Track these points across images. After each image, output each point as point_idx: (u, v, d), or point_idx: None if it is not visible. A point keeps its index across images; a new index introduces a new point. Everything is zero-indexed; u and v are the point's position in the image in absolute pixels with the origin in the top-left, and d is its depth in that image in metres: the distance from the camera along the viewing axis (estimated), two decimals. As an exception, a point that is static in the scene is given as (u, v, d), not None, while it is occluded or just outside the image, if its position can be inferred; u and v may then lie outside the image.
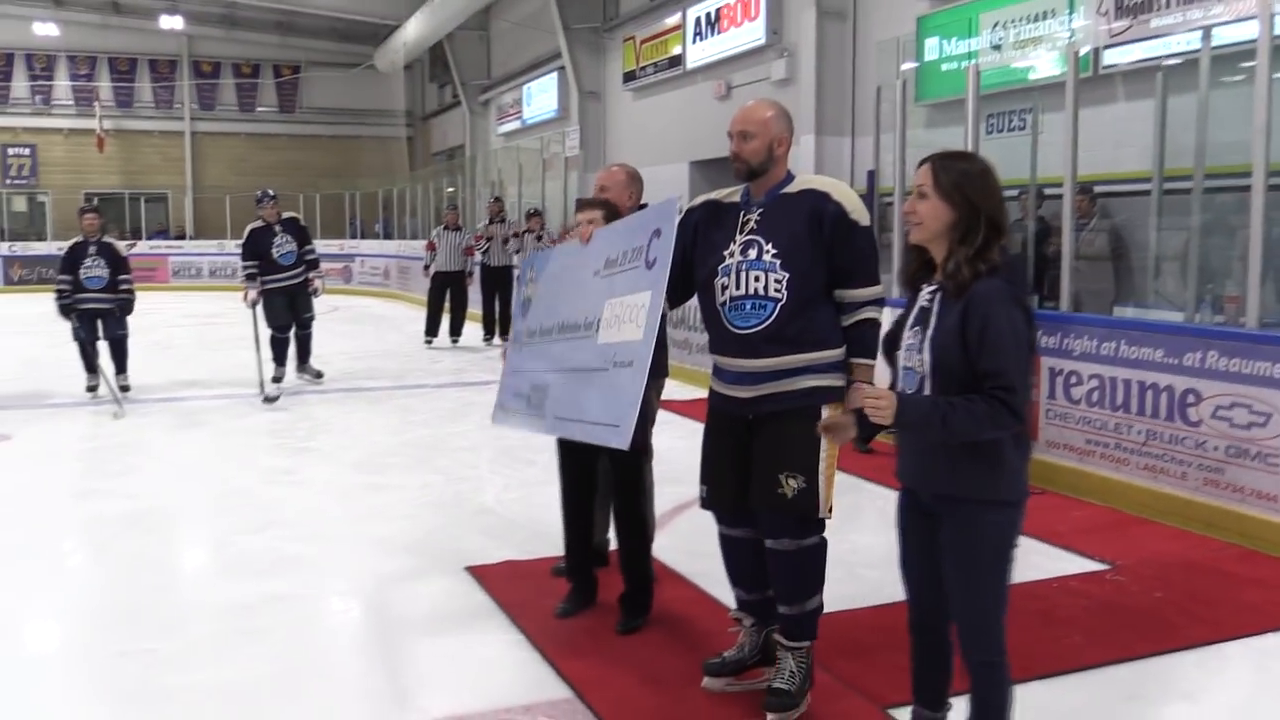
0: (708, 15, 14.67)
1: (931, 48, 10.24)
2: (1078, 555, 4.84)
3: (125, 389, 9.15)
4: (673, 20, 15.63)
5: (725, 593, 3.68)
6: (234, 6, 27.13)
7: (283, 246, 9.42)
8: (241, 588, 4.43)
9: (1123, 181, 8.45)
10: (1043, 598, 4.26)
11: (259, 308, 9.47)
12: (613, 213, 3.88)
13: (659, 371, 3.90)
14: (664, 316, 3.88)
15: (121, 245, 9.27)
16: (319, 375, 9.78)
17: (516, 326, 4.33)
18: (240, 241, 9.76)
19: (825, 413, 3.17)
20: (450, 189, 22.00)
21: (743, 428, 3.28)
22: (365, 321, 16.85)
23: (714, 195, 3.43)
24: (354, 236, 25.15)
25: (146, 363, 9.78)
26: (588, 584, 4.11)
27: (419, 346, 13.15)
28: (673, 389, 4.10)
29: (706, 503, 3.43)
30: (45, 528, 5.44)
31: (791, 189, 3.25)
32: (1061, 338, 5.87)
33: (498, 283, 13.31)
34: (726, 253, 3.23)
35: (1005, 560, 2.65)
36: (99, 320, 9.05)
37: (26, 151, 27.84)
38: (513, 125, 22.63)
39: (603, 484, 4.13)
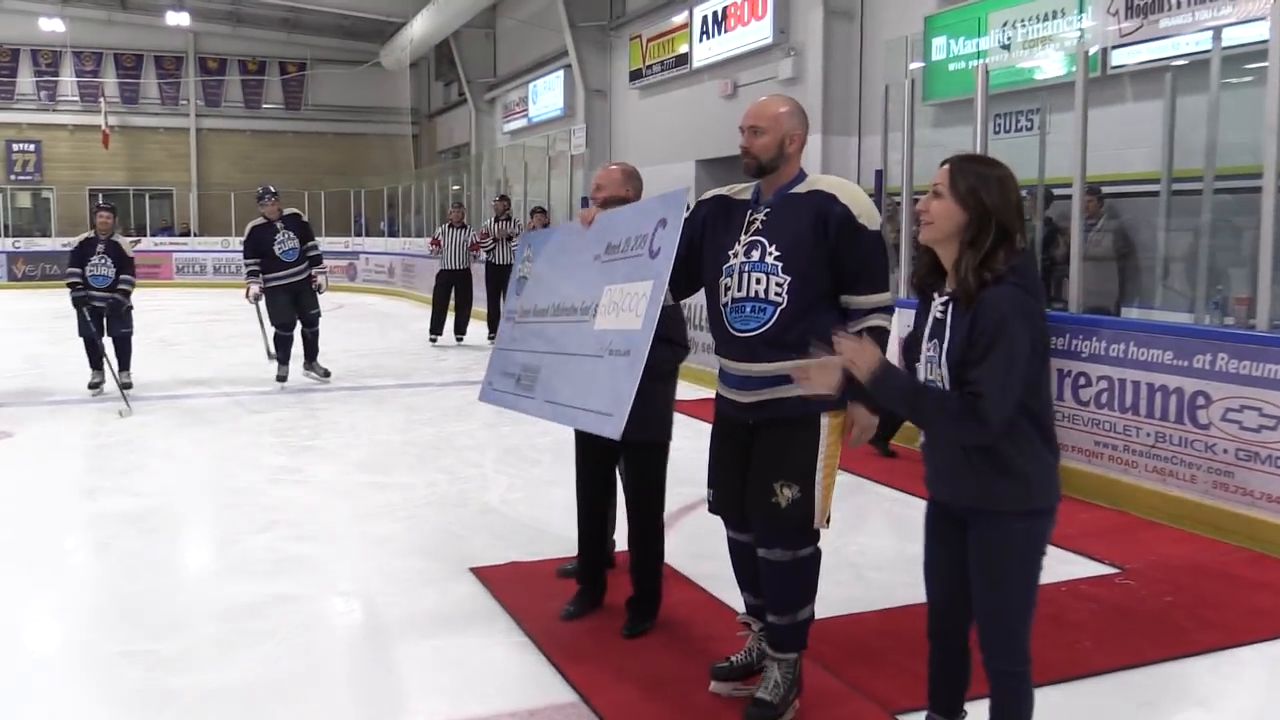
0: (714, 14, 14.65)
1: (939, 47, 10.21)
2: (1087, 558, 4.80)
3: (127, 386, 9.14)
4: (679, 19, 15.61)
5: (732, 596, 3.65)
6: (240, 3, 27.20)
7: (285, 243, 9.39)
8: (244, 587, 4.40)
9: (1129, 182, 8.42)
10: (1052, 602, 4.21)
11: (262, 303, 9.45)
12: None
13: (670, 371, 3.85)
14: (684, 319, 3.86)
15: (128, 245, 9.25)
16: (326, 374, 9.75)
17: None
18: (242, 240, 9.72)
19: (825, 420, 3.10)
20: (455, 187, 21.99)
21: (745, 433, 3.23)
22: (370, 319, 16.84)
23: (726, 191, 3.35)
24: (359, 234, 25.15)
25: (150, 360, 9.76)
26: (597, 587, 4.06)
27: (424, 344, 13.13)
28: (679, 388, 4.05)
29: (713, 506, 3.40)
30: (47, 526, 5.42)
31: (800, 189, 3.17)
32: (1070, 339, 5.83)
33: (503, 281, 13.26)
34: (731, 253, 3.17)
35: (1034, 569, 2.60)
36: (104, 317, 9.05)
37: (31, 147, 27.88)
38: (519, 123, 22.62)
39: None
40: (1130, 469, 5.56)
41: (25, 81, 27.74)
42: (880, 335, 3.08)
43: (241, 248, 9.83)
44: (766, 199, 3.20)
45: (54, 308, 16.10)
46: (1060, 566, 4.69)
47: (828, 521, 3.17)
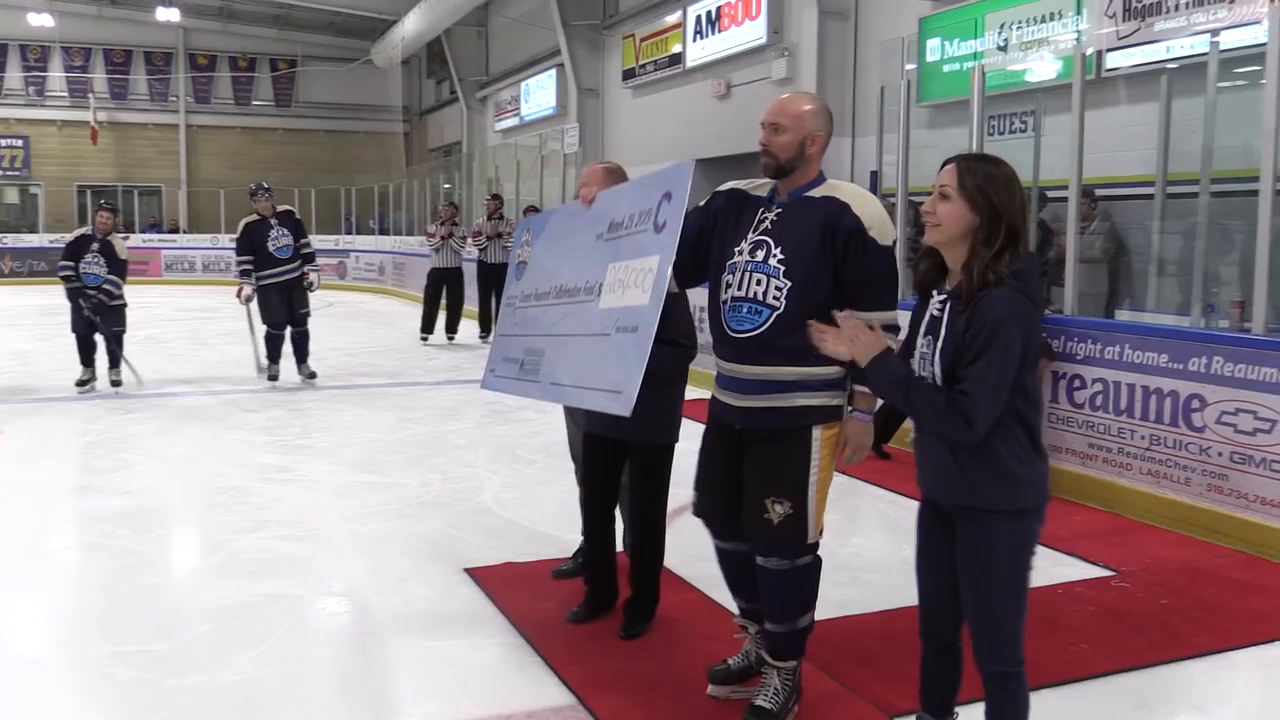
0: (708, 14, 14.63)
1: (933, 49, 10.22)
2: (1082, 561, 4.81)
3: (116, 384, 9.10)
4: (673, 18, 15.59)
5: (728, 597, 3.62)
6: (230, -1, 27.09)
7: (279, 240, 9.32)
8: (237, 587, 4.37)
9: (1122, 185, 8.43)
10: (1048, 604, 4.22)
11: (253, 305, 9.39)
12: None
13: (680, 371, 3.80)
14: (690, 314, 3.77)
15: (123, 247, 9.18)
16: (312, 375, 9.66)
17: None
18: (235, 236, 9.66)
19: (818, 434, 3.04)
20: (446, 185, 21.93)
21: (734, 437, 3.17)
22: (360, 317, 16.79)
23: (743, 185, 3.25)
24: (349, 232, 25.07)
25: (138, 358, 9.68)
26: (606, 590, 4.00)
27: (414, 343, 13.09)
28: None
29: (697, 509, 3.34)
30: (36, 525, 5.37)
31: (815, 193, 3.06)
32: (1065, 341, 5.83)
33: (495, 280, 13.24)
34: (737, 250, 3.10)
35: (1023, 569, 2.60)
36: (97, 314, 8.99)
37: (19, 143, 27.72)
38: (511, 122, 22.58)
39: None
40: (1125, 471, 5.56)
41: (13, 76, 27.58)
42: None
43: (233, 245, 9.76)
44: (781, 199, 3.11)
45: (42, 304, 16.05)
46: (1055, 568, 4.69)
47: (820, 532, 3.13)
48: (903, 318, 2.96)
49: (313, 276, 9.59)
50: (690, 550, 4.56)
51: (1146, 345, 5.44)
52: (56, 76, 27.79)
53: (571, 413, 4.43)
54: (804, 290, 2.98)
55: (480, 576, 4.49)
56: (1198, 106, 7.14)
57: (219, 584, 4.43)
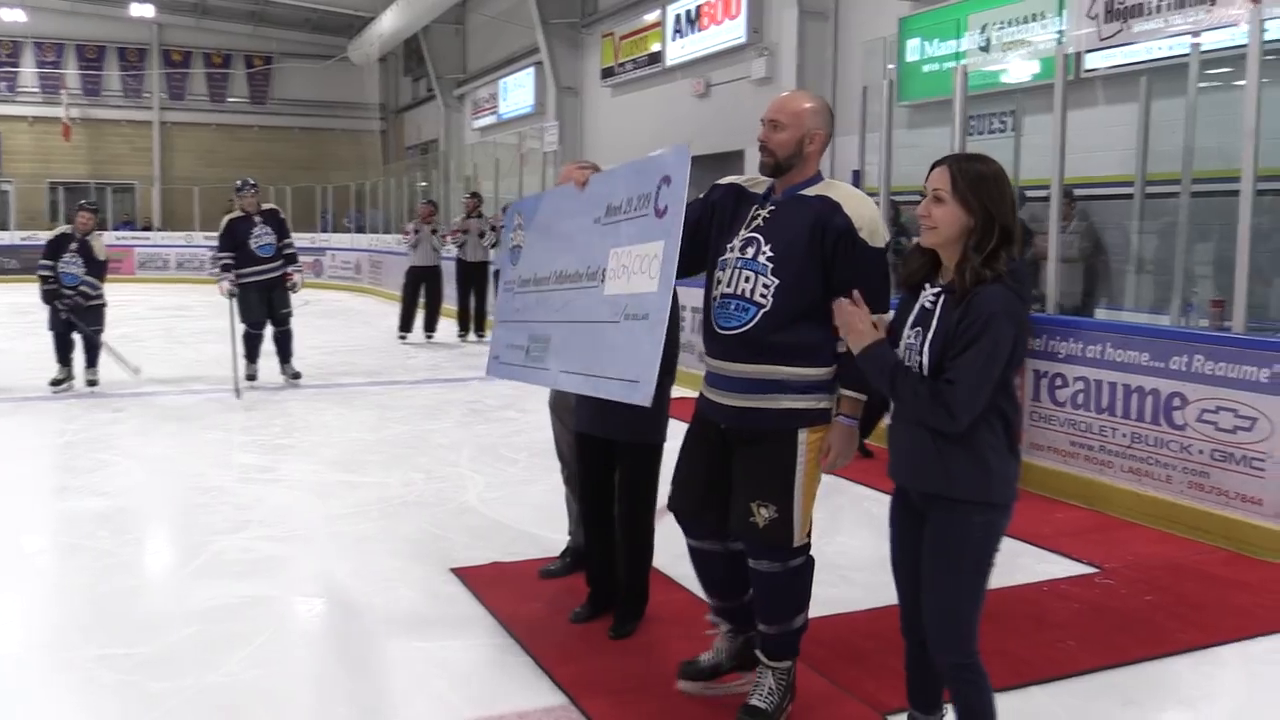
0: (688, 13, 14.65)
1: (913, 49, 10.27)
2: (1064, 558, 4.84)
3: (93, 384, 9.00)
4: (652, 17, 15.59)
5: (715, 596, 3.63)
6: (205, -5, 26.88)
7: (261, 238, 9.24)
8: (221, 589, 4.33)
9: (1099, 185, 8.50)
10: (1033, 601, 4.26)
11: (234, 300, 9.32)
12: None
13: (667, 368, 3.78)
14: (677, 311, 3.75)
15: (102, 247, 9.07)
16: (297, 376, 9.59)
17: (506, 275, 4.12)
18: (218, 232, 9.55)
19: (803, 437, 3.02)
20: (423, 184, 21.84)
21: (717, 436, 3.15)
22: (337, 316, 16.69)
23: (741, 180, 3.24)
24: (325, 230, 24.94)
25: (109, 355, 9.58)
26: (607, 590, 3.98)
27: (393, 342, 13.03)
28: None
29: (671, 503, 3.31)
30: (14, 526, 5.31)
31: (809, 191, 3.04)
32: (1047, 340, 5.87)
33: (473, 278, 13.23)
34: (729, 246, 3.09)
35: (985, 563, 2.63)
36: (75, 315, 8.89)
37: (-10, 139, 27.42)
38: (488, 120, 22.53)
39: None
40: (1106, 469, 5.60)
41: (-16, 72, 27.30)
42: None
43: (207, 243, 9.69)
44: (775, 197, 3.10)
45: (12, 302, 15.86)
46: (1039, 565, 4.73)
47: (808, 534, 3.11)
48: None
49: (296, 277, 9.51)
50: (677, 550, 4.53)
51: (1128, 344, 5.48)
52: (28, 72, 27.50)
53: (558, 413, 4.41)
54: (792, 289, 2.96)
55: (467, 576, 4.47)
56: (1175, 107, 7.20)
57: (202, 585, 4.39)
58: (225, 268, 9.28)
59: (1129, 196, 7.95)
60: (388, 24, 23.51)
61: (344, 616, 4.11)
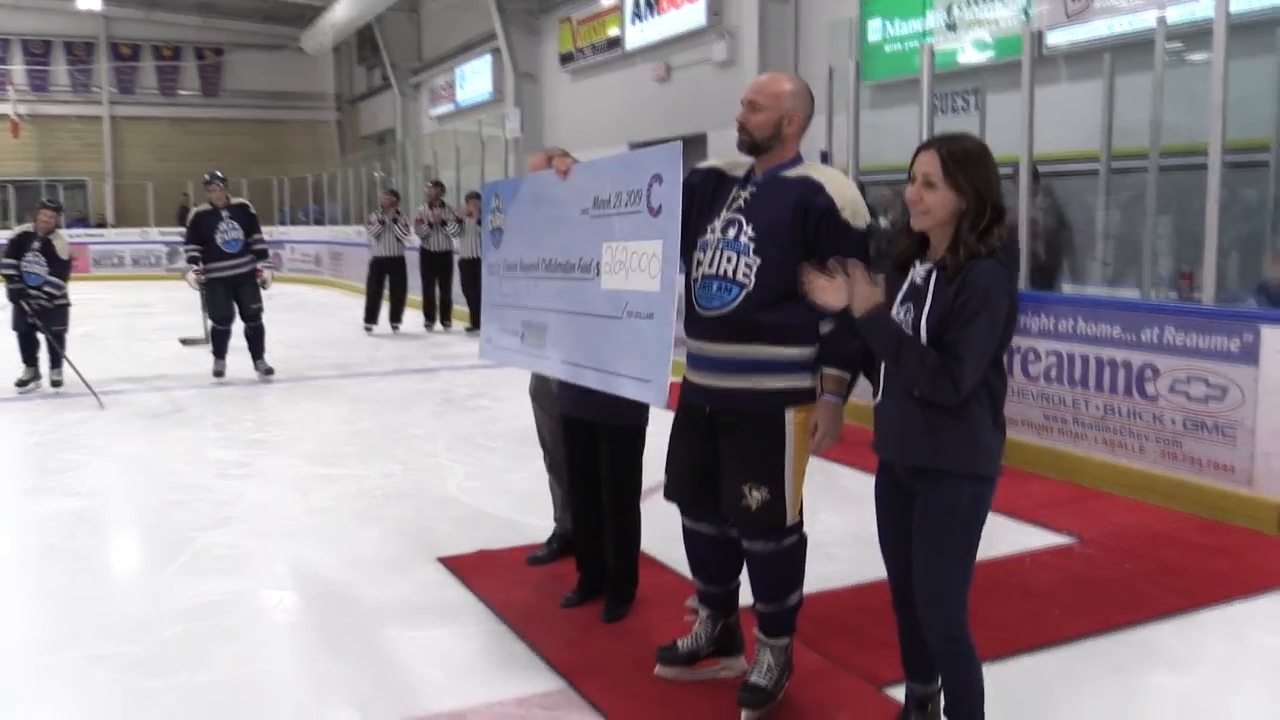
0: (646, -4, 14.60)
1: (874, 29, 10.31)
2: (1044, 529, 4.91)
3: (58, 384, 8.87)
4: (610, 1, 15.52)
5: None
6: (153, -14, 26.42)
7: (227, 233, 9.12)
8: (207, 586, 4.29)
9: (1061, 161, 8.58)
10: (1017, 572, 4.32)
11: (201, 295, 9.22)
12: None
13: None
14: None
15: (64, 246, 8.92)
16: (269, 372, 9.49)
17: (489, 257, 4.12)
18: (186, 225, 9.44)
19: (791, 417, 3.03)
20: (379, 174, 21.63)
21: (703, 419, 3.15)
22: (298, 309, 16.51)
23: (721, 164, 3.25)
24: (283, 223, 24.66)
25: (76, 356, 9.41)
26: (597, 574, 3.99)
27: (359, 334, 12.95)
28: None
29: (668, 493, 3.33)
30: (-10, 528, 5.24)
31: (791, 173, 3.07)
32: (1019, 315, 5.93)
33: (438, 268, 13.15)
34: (710, 228, 3.10)
35: (973, 537, 2.67)
36: (39, 316, 8.75)
37: (-65, 137, 26.82)
38: (446, 108, 22.36)
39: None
40: (1080, 441, 5.69)
41: (-74, 69, 26.69)
42: (853, 337, 2.91)
43: (163, 239, 9.59)
44: (756, 178, 3.12)
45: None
46: (1019, 537, 4.80)
47: (800, 513, 3.14)
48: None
49: (266, 273, 9.39)
50: (663, 533, 4.56)
51: (1099, 318, 5.57)
52: (-27, 69, 26.94)
53: (539, 399, 4.42)
54: (774, 269, 2.97)
55: (455, 566, 4.47)
56: (1137, 83, 7.29)
57: (188, 583, 4.35)
58: (192, 260, 9.19)
59: (1091, 173, 8.04)
60: (341, 13, 23.22)
61: (335, 609, 4.09)
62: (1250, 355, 4.87)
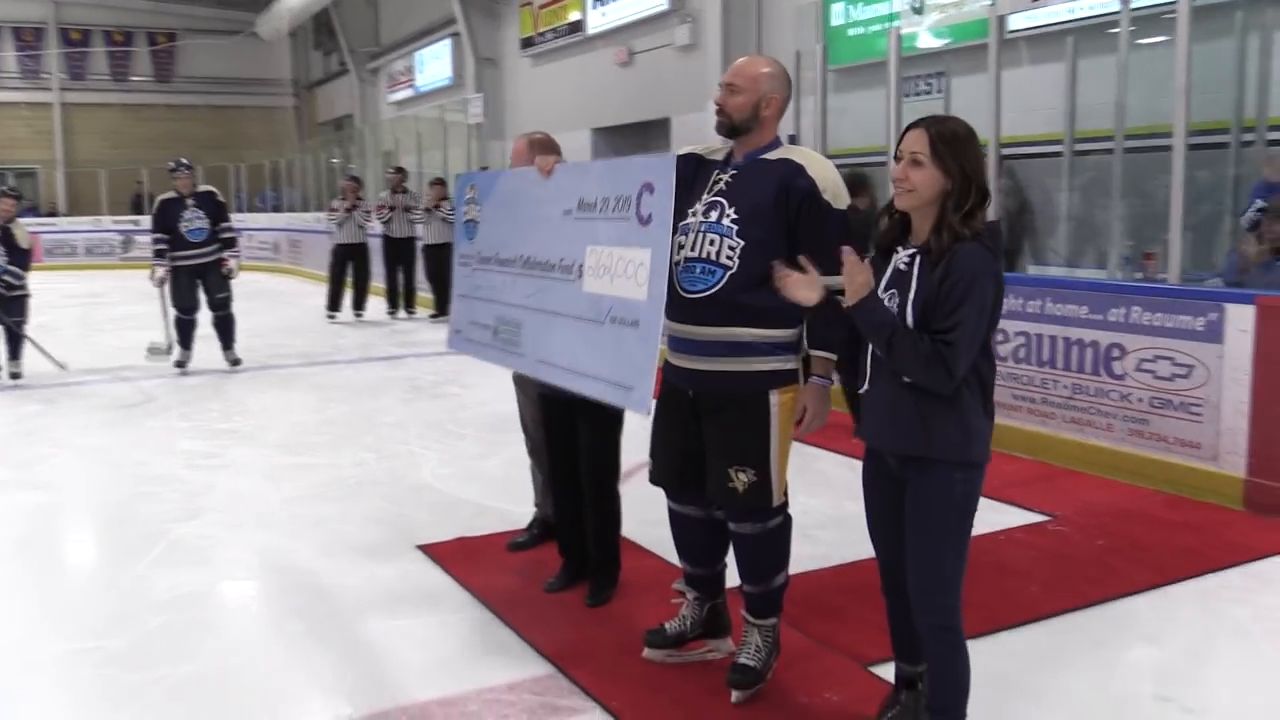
0: (608, -20, 14.52)
1: (838, 13, 10.34)
2: (1017, 508, 4.98)
3: (16, 376, 8.72)
4: (571, -15, 15.42)
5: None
6: (103, -30, 25.92)
7: (193, 222, 8.96)
8: (184, 577, 4.25)
9: (1023, 144, 8.67)
10: (993, 550, 4.38)
11: (166, 287, 9.07)
12: None
13: None
14: None
15: (25, 235, 8.75)
16: (237, 362, 9.35)
17: (462, 249, 4.10)
18: (151, 213, 9.26)
19: (775, 399, 3.05)
20: (336, 160, 21.40)
21: (687, 403, 3.17)
22: (259, 297, 16.23)
23: (700, 149, 3.26)
24: (240, 210, 24.33)
25: (33, 348, 9.28)
26: (580, 558, 4.01)
27: (321, 321, 12.85)
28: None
29: (653, 477, 3.35)
30: (-44, 523, 5.14)
31: (771, 155, 3.09)
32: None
33: (401, 255, 13.05)
34: (691, 212, 3.10)
35: (966, 524, 2.67)
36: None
37: (-121, 126, 26.19)
38: (405, 94, 22.14)
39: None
40: (1049, 420, 5.77)
41: None
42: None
43: (115, 227, 9.41)
44: (736, 161, 3.13)
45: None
46: (993, 516, 4.85)
47: (785, 494, 3.17)
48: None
49: (231, 263, 9.25)
50: (644, 516, 4.58)
51: (1067, 298, 5.64)
52: (-83, 55, 26.31)
53: (521, 384, 4.40)
54: (757, 251, 2.98)
55: (435, 553, 4.45)
56: (1099, 66, 7.38)
57: (165, 575, 4.30)
58: (159, 253, 9.04)
59: (1053, 155, 8.14)
60: (296, -3, 22.95)
61: (315, 599, 4.05)
62: (1215, 333, 4.96)
